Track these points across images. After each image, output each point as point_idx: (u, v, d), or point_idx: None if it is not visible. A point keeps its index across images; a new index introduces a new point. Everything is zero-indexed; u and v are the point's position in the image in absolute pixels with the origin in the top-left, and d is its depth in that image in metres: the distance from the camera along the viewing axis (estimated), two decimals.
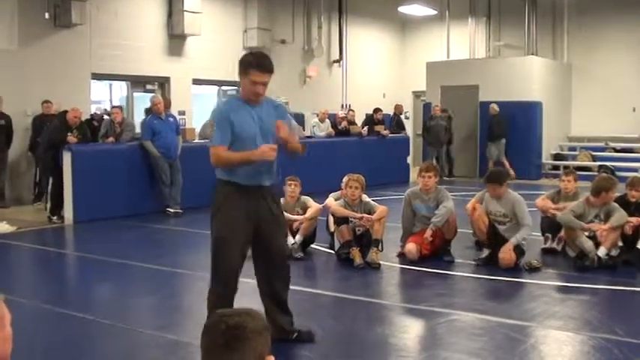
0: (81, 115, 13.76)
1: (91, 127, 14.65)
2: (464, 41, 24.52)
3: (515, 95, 21.26)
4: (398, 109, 21.63)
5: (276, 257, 5.96)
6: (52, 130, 13.43)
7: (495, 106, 20.88)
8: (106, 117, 15.31)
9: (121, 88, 19.16)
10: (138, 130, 14.51)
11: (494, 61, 23.26)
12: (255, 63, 5.61)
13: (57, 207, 13.15)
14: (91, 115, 16.04)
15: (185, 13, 18.59)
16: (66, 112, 13.58)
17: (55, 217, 13.08)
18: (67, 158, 12.85)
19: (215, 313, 2.46)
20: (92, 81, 17.60)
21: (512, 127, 21.10)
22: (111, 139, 13.99)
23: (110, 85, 19.07)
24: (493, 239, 9.11)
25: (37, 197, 15.18)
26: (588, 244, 8.77)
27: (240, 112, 5.68)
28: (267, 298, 6.03)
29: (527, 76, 21.61)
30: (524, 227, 8.93)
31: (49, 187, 13.52)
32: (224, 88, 21.29)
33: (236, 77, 18.22)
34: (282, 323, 6.03)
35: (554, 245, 9.88)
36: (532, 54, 22.71)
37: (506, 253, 8.77)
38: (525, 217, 8.98)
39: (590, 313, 7.19)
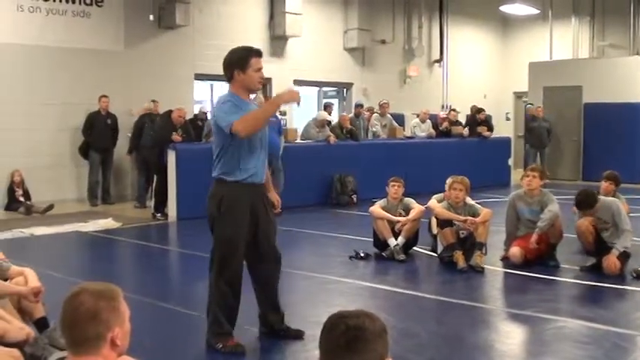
0: (185, 114, 14.02)
1: (195, 127, 14.90)
2: (567, 41, 24.11)
3: (620, 97, 20.73)
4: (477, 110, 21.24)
5: (271, 256, 6.07)
6: (157, 129, 13.72)
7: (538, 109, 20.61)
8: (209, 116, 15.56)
9: (222, 88, 19.40)
10: None
11: (599, 62, 22.76)
12: (253, 51, 5.78)
13: (161, 204, 13.41)
14: (195, 114, 16.32)
15: (286, 14, 18.79)
16: (171, 111, 13.84)
17: (158, 214, 13.34)
18: (171, 157, 13.11)
19: (334, 314, 2.47)
20: (195, 81, 17.90)
21: (617, 130, 20.60)
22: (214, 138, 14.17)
23: (211, 85, 19.35)
24: (598, 246, 8.90)
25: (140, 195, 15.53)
26: None
27: (243, 107, 5.74)
28: (262, 296, 6.15)
29: (632, 76, 21.05)
30: (624, 233, 8.71)
31: (154, 184, 13.81)
32: (325, 89, 21.40)
33: (337, 78, 18.25)
34: (273, 322, 6.17)
35: None
36: (637, 54, 22.14)
37: (609, 261, 8.56)
38: (624, 222, 8.75)
39: None
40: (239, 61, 5.72)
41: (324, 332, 2.41)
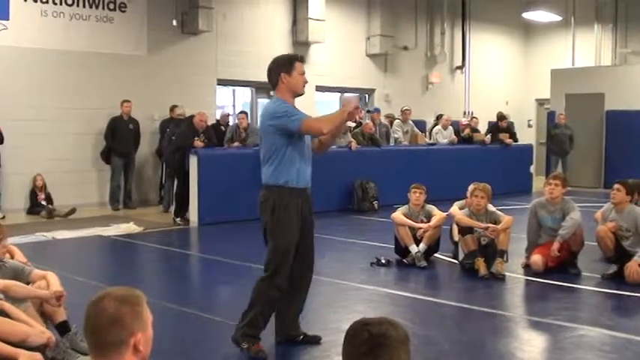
0: (207, 119, 14.07)
1: (218, 132, 14.96)
2: (589, 48, 24.05)
3: None
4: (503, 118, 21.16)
5: (311, 260, 6.12)
6: (179, 134, 13.78)
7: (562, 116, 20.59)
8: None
9: (244, 94, 19.49)
10: None
11: (621, 69, 22.65)
12: (296, 56, 5.95)
13: (182, 209, 13.47)
14: (217, 119, 16.39)
15: (309, 20, 18.83)
16: (193, 116, 13.91)
17: (179, 219, 13.40)
18: (193, 162, 13.16)
19: (356, 321, 2.48)
20: (217, 87, 17.97)
21: (639, 137, 20.50)
22: (236, 143, 14.26)
23: (234, 90, 19.42)
24: (619, 254, 8.87)
25: (162, 200, 15.59)
26: None
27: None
28: (292, 303, 6.14)
29: None
30: None
31: (175, 189, 13.88)
32: (346, 95, 21.41)
33: (359, 84, 18.24)
34: (293, 329, 6.20)
35: None
36: None
37: (631, 269, 8.51)
38: None
39: None
40: (285, 64, 5.85)
41: (347, 339, 2.42)
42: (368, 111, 18.68)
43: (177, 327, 6.91)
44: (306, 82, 5.92)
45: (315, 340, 6.19)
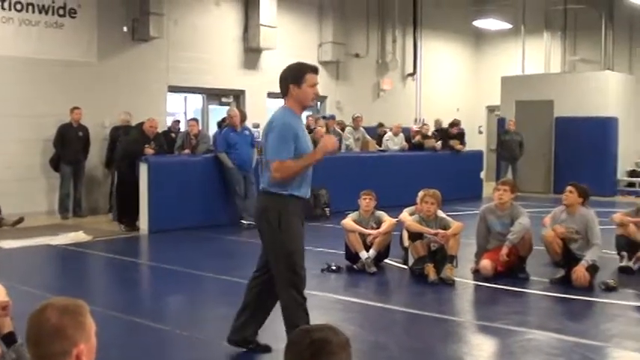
0: (157, 125, 13.98)
1: (168, 139, 14.88)
2: (539, 55, 24.36)
3: (590, 111, 20.95)
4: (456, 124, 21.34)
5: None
6: (130, 142, 13.68)
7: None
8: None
9: (196, 101, 19.41)
10: (213, 142, 14.67)
11: (570, 76, 22.98)
12: (309, 67, 5.82)
13: (124, 215, 13.40)
14: (168, 127, 16.30)
15: (261, 27, 18.81)
16: (143, 123, 13.82)
17: (122, 226, 13.32)
18: (143, 169, 13.07)
19: (298, 328, 2.48)
20: (168, 93, 17.87)
21: (588, 143, 20.81)
22: (187, 150, 14.19)
23: (185, 97, 19.33)
24: (567, 258, 8.98)
25: (112, 208, 15.43)
26: None
27: (300, 126, 5.87)
28: (267, 308, 6.12)
29: (602, 91, 21.28)
30: (593, 246, 8.81)
31: (117, 194, 13.82)
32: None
33: None
34: (252, 334, 6.16)
35: (630, 264, 9.67)
36: (608, 69, 22.40)
37: (578, 273, 8.63)
38: (596, 236, 8.85)
39: None
40: (295, 75, 5.75)
41: (289, 346, 2.42)
42: (324, 117, 18.73)
43: (126, 336, 6.85)
44: (317, 93, 5.87)
45: (267, 350, 6.15)
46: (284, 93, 5.81)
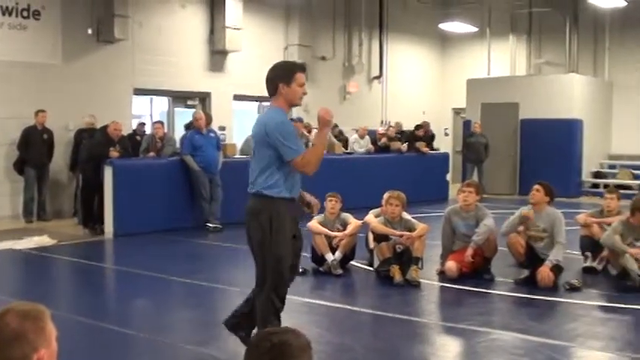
0: (121, 128, 13.89)
1: (134, 142, 14.78)
2: (504, 58, 24.53)
3: (555, 113, 21.13)
4: (425, 126, 21.44)
5: (297, 270, 6.15)
6: (94, 144, 13.59)
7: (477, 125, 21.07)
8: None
9: (161, 103, 19.32)
10: (179, 145, 14.60)
11: (535, 79, 23.15)
12: (298, 66, 5.84)
13: (89, 218, 13.32)
14: (134, 129, 16.21)
15: (227, 29, 18.76)
16: (107, 126, 13.73)
17: (87, 230, 13.23)
18: (108, 172, 12.96)
19: (259, 331, 2.48)
20: (134, 96, 17.77)
21: (553, 145, 20.99)
22: (152, 153, 14.11)
23: (151, 100, 19.24)
24: (531, 259, 9.05)
25: (77, 212, 15.31)
26: (631, 264, 8.67)
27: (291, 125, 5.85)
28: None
29: (567, 93, 21.48)
30: (557, 245, 8.89)
31: (78, 197, 13.71)
32: (264, 104, 21.39)
33: None
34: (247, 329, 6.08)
35: (594, 264, 9.77)
36: (573, 71, 22.59)
37: (543, 273, 8.70)
38: (561, 234, 8.95)
39: (632, 334, 7.14)
40: (285, 74, 5.70)
41: (250, 349, 2.42)
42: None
43: (90, 341, 6.80)
44: (304, 93, 5.80)
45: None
46: (272, 92, 5.75)
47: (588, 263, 9.85)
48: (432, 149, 20.50)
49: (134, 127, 16.64)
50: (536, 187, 9.25)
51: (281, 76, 5.69)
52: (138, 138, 15.36)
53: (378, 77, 24.41)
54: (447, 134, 26.29)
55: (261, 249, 5.69)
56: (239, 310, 6.14)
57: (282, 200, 5.65)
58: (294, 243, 5.86)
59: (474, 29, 24.75)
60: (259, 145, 5.71)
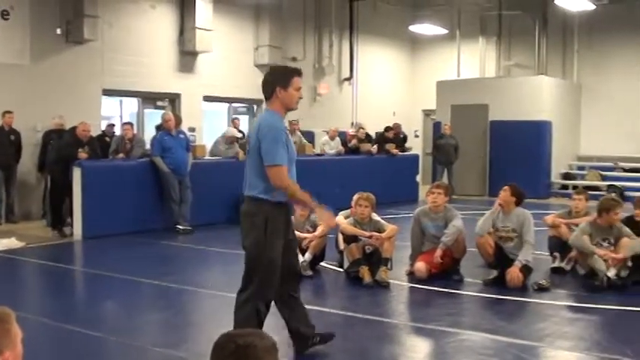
0: (90, 129, 13.78)
1: (103, 143, 14.69)
2: (474, 60, 24.65)
3: (524, 115, 21.28)
4: (396, 127, 21.50)
5: (297, 271, 6.20)
6: (62, 146, 13.49)
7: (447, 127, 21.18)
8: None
9: (131, 104, 19.22)
10: (148, 146, 14.53)
11: (505, 81, 23.29)
12: (295, 71, 5.85)
13: (58, 220, 13.23)
14: (103, 130, 16.11)
15: (197, 30, 18.70)
16: (76, 127, 13.63)
17: (55, 231, 13.14)
18: (77, 174, 12.87)
19: (223, 334, 2.47)
20: (103, 97, 17.66)
21: (522, 147, 21.14)
22: (121, 155, 14.03)
23: (121, 101, 19.13)
24: (500, 260, 9.11)
25: (46, 214, 15.18)
26: (600, 264, 8.74)
27: (286, 130, 5.87)
28: (292, 312, 6.14)
29: (536, 95, 21.64)
30: (526, 245, 8.96)
31: (46, 200, 13.61)
32: (234, 105, 21.36)
33: (247, 94, 18.15)
34: (307, 335, 6.17)
35: (563, 265, 9.85)
36: (542, 74, 22.77)
37: (512, 274, 8.76)
38: (529, 234, 9.01)
39: (600, 334, 7.18)
40: (282, 78, 5.74)
41: (214, 352, 2.40)
42: None
43: (58, 344, 6.76)
44: (300, 97, 5.85)
45: (330, 338, 6.29)
46: (269, 96, 5.78)
47: (557, 264, 9.93)
48: (404, 151, 20.56)
49: (103, 128, 16.53)
50: (505, 187, 9.32)
51: (279, 79, 5.75)
52: (107, 139, 15.27)
53: (349, 79, 24.44)
54: (417, 136, 26.36)
55: (256, 249, 5.68)
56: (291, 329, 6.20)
57: (277, 204, 5.70)
58: (290, 245, 5.94)
59: (444, 31, 24.85)
60: (254, 148, 5.71)
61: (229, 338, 2.39)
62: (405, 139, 21.47)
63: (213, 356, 2.39)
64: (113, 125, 16.66)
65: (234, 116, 20.36)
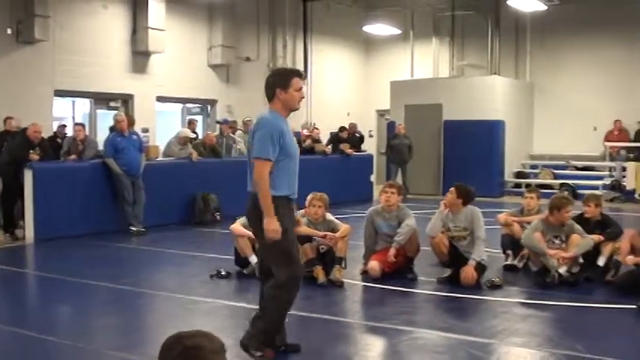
0: (41, 130, 13.62)
1: (55, 145, 14.53)
2: (428, 61, 24.79)
3: (478, 114, 21.45)
4: (352, 127, 21.62)
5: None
6: (13, 147, 13.32)
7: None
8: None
9: (84, 105, 19.05)
10: (101, 147, 14.39)
11: (458, 81, 23.45)
12: (295, 72, 6.07)
13: (9, 223, 13.07)
14: (55, 132, 15.93)
15: (149, 30, 18.59)
16: (26, 128, 13.46)
17: (7, 235, 12.98)
18: (28, 176, 12.70)
19: (171, 335, 2.46)
20: (55, 98, 17.48)
21: (475, 146, 21.31)
22: (73, 156, 13.88)
23: (73, 102, 18.95)
24: (455, 258, 9.17)
25: None
26: (551, 261, 8.85)
27: (287, 128, 5.93)
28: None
29: (490, 95, 21.83)
30: (477, 241, 9.04)
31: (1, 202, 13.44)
32: (188, 105, 21.27)
33: (201, 94, 18.06)
34: (279, 339, 6.19)
35: (515, 262, 9.96)
36: (495, 73, 22.94)
37: (467, 273, 8.84)
38: (480, 230, 9.08)
39: (551, 330, 7.28)
40: (282, 80, 5.86)
41: (162, 354, 2.39)
42: (218, 122, 18.63)
43: (10, 349, 6.66)
44: (302, 97, 5.95)
45: (296, 349, 6.26)
46: (270, 97, 5.91)
47: (509, 261, 10.03)
48: (360, 151, 20.65)
49: (55, 129, 16.36)
50: (451, 189, 9.37)
51: (278, 81, 5.88)
52: (59, 140, 15.12)
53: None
54: (371, 136, 26.41)
55: (271, 247, 5.81)
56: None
57: (285, 199, 5.85)
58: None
59: (398, 32, 24.97)
60: (252, 145, 5.86)
61: (177, 340, 2.39)
62: (361, 139, 21.57)
63: (160, 358, 2.38)
64: (65, 126, 16.49)
65: (191, 117, 20.26)
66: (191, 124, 18.71)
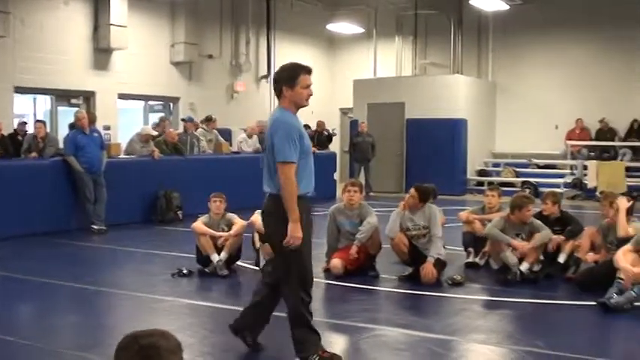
0: (1, 127, 13.49)
1: (15, 142, 14.39)
2: (391, 59, 24.89)
3: (440, 112, 21.58)
4: (320, 125, 21.69)
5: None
6: None
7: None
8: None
9: (45, 102, 18.87)
10: (62, 145, 14.26)
11: (421, 79, 23.58)
12: (302, 68, 5.83)
13: None
14: (15, 129, 15.78)
15: (111, 26, 18.46)
16: None
17: None
18: None
19: (127, 334, 2.45)
20: (15, 94, 17.31)
21: (438, 144, 21.43)
22: (34, 154, 13.76)
23: (34, 98, 18.77)
24: (415, 257, 9.22)
25: None
26: (512, 259, 8.93)
27: (301, 126, 5.85)
28: (271, 309, 6.24)
29: (452, 93, 21.97)
30: (434, 239, 9.13)
31: None
32: (150, 102, 21.15)
33: (164, 92, 17.97)
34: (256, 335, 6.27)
35: (477, 260, 10.04)
36: (457, 72, 23.10)
37: (426, 269, 8.89)
38: (436, 227, 9.17)
39: (512, 327, 7.34)
40: (288, 77, 5.73)
41: (118, 353, 2.38)
42: (182, 119, 18.54)
43: None
44: (310, 94, 5.81)
45: (257, 348, 6.28)
46: (278, 94, 5.81)
47: (471, 259, 10.12)
48: (326, 148, 20.82)
49: (15, 126, 16.19)
50: (412, 192, 9.39)
51: (285, 78, 5.76)
52: (19, 138, 14.98)
53: (266, 76, 24.39)
54: (334, 134, 26.43)
55: (284, 249, 5.70)
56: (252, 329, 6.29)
57: (300, 199, 5.67)
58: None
59: (361, 30, 25.05)
60: (269, 146, 5.74)
61: (132, 339, 2.38)
62: (329, 138, 21.65)
63: (116, 357, 2.37)
64: (25, 123, 16.33)
65: (162, 115, 20.01)
66: (163, 123, 18.40)
